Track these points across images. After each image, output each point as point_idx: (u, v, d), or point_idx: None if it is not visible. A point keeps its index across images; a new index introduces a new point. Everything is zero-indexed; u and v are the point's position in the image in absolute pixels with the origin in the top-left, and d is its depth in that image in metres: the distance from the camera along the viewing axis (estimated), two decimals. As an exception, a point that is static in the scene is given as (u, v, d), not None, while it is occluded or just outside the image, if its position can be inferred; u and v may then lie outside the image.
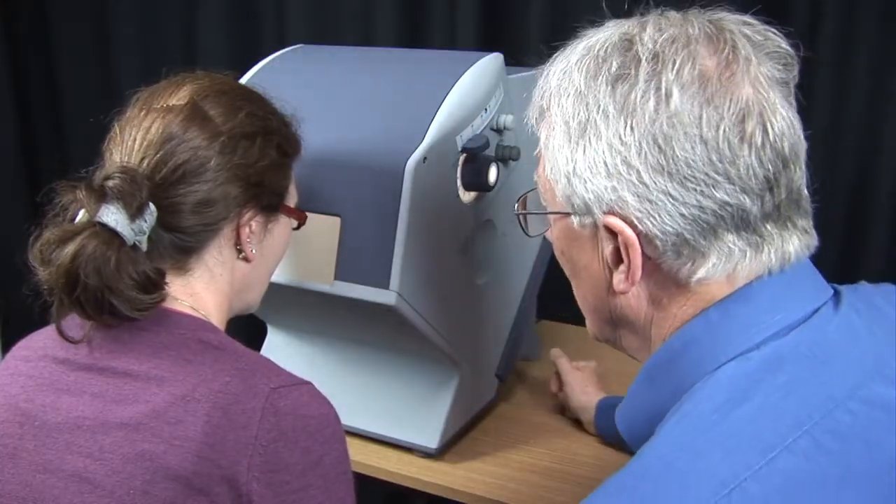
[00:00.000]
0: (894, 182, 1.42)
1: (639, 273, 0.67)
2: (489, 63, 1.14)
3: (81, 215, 0.79)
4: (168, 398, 0.78)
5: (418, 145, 1.03)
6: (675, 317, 0.69)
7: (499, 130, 1.17)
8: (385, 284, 1.04)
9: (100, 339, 0.82)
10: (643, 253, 0.67)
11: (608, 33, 0.69)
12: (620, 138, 0.65)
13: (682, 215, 0.64)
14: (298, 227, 1.01)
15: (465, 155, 1.10)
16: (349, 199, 1.06)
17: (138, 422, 0.77)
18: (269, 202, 0.91)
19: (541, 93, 0.73)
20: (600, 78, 0.66)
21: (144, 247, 0.80)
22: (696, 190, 0.64)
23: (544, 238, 1.41)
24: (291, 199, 0.96)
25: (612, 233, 0.67)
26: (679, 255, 0.66)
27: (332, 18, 1.75)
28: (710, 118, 0.63)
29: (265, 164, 0.88)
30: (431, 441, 1.19)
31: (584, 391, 1.28)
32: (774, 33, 0.68)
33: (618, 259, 0.68)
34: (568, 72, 0.69)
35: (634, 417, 0.73)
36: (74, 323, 0.82)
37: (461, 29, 1.62)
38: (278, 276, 1.10)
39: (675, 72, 0.64)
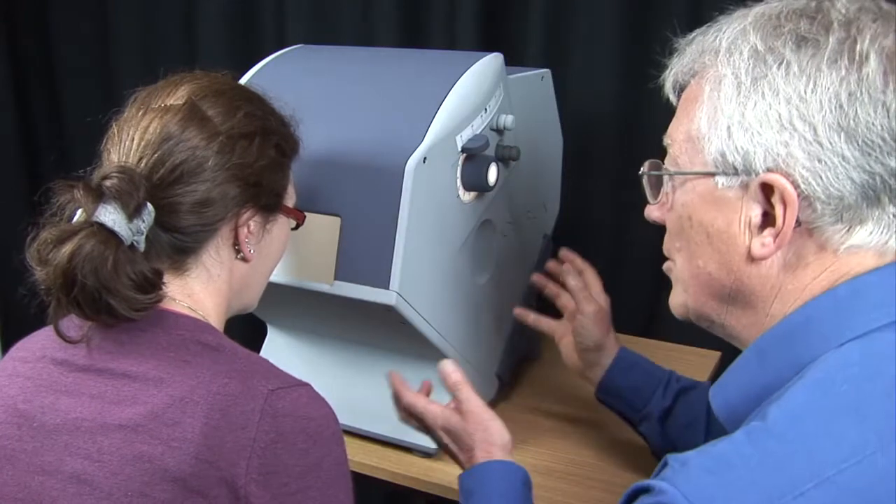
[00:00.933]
0: None
1: (789, 235, 0.67)
2: (489, 63, 1.14)
3: (79, 215, 0.78)
4: (166, 399, 0.77)
5: (418, 145, 1.03)
6: (804, 289, 0.69)
7: (499, 130, 1.17)
8: (385, 284, 1.04)
9: (98, 340, 0.82)
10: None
11: (783, 3, 0.71)
12: (800, 94, 0.66)
13: (852, 179, 0.65)
14: (297, 228, 1.01)
15: (465, 155, 1.10)
16: (349, 199, 1.06)
17: (137, 423, 0.77)
18: (267, 202, 0.90)
19: (699, 51, 0.74)
20: (783, 38, 0.67)
21: (142, 247, 0.80)
22: (870, 154, 0.64)
23: (544, 238, 1.42)
24: (290, 200, 0.96)
25: (765, 193, 0.68)
26: (839, 219, 0.66)
27: (332, 18, 1.75)
28: (894, 89, 0.65)
29: (263, 164, 0.88)
30: (431, 441, 1.19)
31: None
32: None
33: (764, 223, 0.69)
34: (743, 31, 0.70)
35: (736, 394, 0.71)
36: (72, 323, 0.82)
37: (461, 29, 1.62)
38: (278, 276, 1.10)
39: (870, 39, 0.65)
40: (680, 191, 0.75)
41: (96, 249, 0.76)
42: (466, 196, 1.14)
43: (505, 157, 1.17)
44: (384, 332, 1.15)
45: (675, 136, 0.75)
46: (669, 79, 0.78)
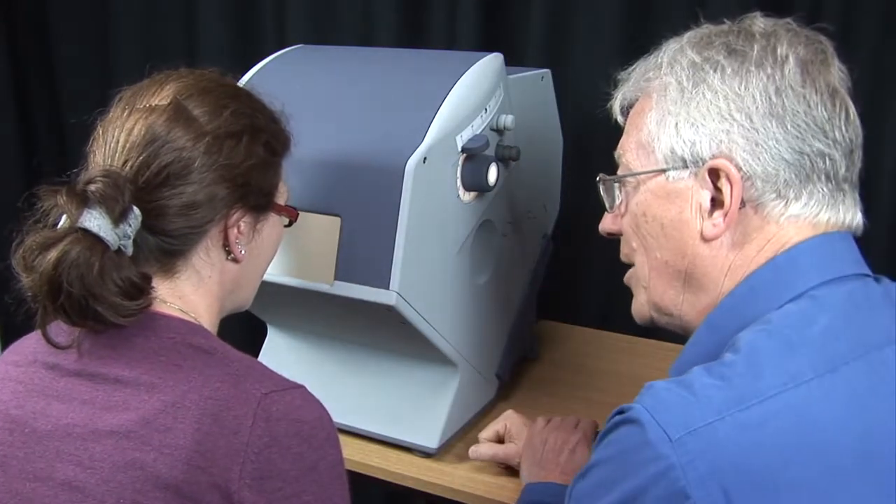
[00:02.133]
0: (894, 182, 1.42)
1: (736, 214, 0.77)
2: (489, 63, 1.14)
3: (64, 221, 0.77)
4: (158, 405, 0.77)
5: (418, 145, 1.03)
6: (751, 261, 0.78)
7: (499, 130, 1.17)
8: (385, 284, 1.04)
9: (89, 345, 0.81)
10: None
11: (709, 27, 0.83)
12: (736, 91, 0.77)
13: (785, 159, 0.76)
14: (290, 225, 1.00)
15: (465, 155, 1.10)
16: (349, 199, 1.06)
17: (128, 429, 0.76)
18: (257, 202, 0.89)
19: (643, 73, 0.85)
20: (715, 49, 0.79)
21: (129, 251, 0.78)
22: (798, 137, 0.76)
23: (544, 238, 1.42)
24: (281, 198, 0.94)
25: (712, 178, 0.78)
26: (778, 194, 0.76)
27: (332, 18, 1.75)
28: (811, 86, 0.77)
29: (252, 163, 0.86)
30: (431, 441, 1.19)
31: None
32: None
33: (713, 206, 0.79)
34: (680, 49, 0.82)
35: (690, 361, 0.77)
36: (62, 328, 0.81)
37: (461, 29, 1.62)
38: (278, 277, 1.10)
39: (787, 44, 0.78)
40: (633, 194, 0.85)
41: (82, 256, 0.75)
42: (466, 196, 1.13)
43: (505, 157, 1.17)
44: (384, 332, 1.15)
45: (626, 147, 0.86)
46: (617, 102, 0.89)
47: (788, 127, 0.76)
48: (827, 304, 0.74)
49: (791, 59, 0.77)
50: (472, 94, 1.11)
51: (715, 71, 0.78)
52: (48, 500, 0.78)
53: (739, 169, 0.76)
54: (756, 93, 0.76)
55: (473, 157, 1.11)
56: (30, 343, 0.86)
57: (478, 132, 1.12)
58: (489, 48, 1.25)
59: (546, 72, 1.38)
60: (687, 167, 0.79)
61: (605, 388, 1.38)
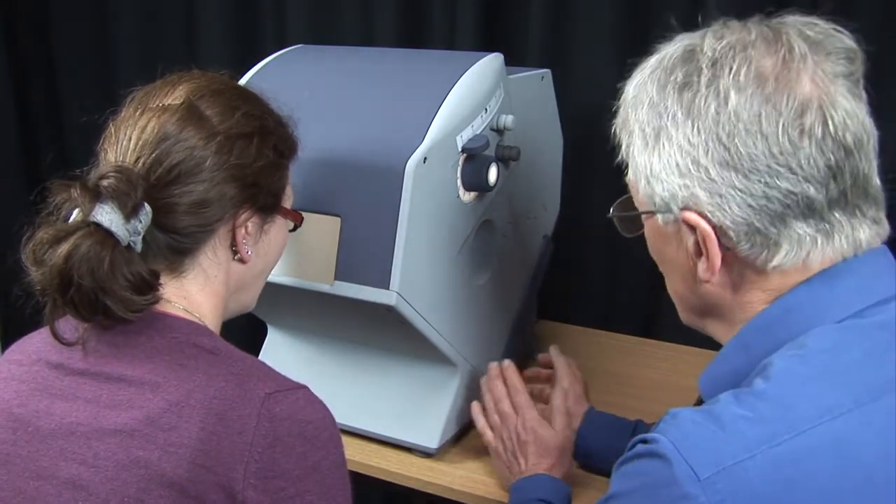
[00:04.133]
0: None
1: (718, 262, 0.74)
2: (489, 63, 1.15)
3: (75, 215, 0.78)
4: (162, 404, 0.77)
5: (418, 145, 1.04)
6: (758, 300, 0.75)
7: (499, 130, 1.17)
8: (385, 284, 1.04)
9: (94, 344, 0.81)
10: (720, 244, 0.73)
11: (675, 47, 0.76)
12: (689, 140, 0.72)
13: (750, 206, 0.70)
14: (295, 229, 1.01)
15: (465, 155, 1.10)
16: (349, 199, 1.06)
17: (133, 428, 0.77)
18: (265, 203, 0.90)
19: (623, 103, 0.80)
20: (668, 87, 0.74)
21: (139, 248, 0.79)
22: (760, 181, 0.70)
23: (544, 238, 1.42)
24: (287, 201, 0.95)
25: (691, 226, 0.74)
26: (753, 244, 0.72)
27: (332, 18, 1.75)
28: (769, 115, 0.69)
29: (261, 164, 0.87)
30: (431, 441, 1.19)
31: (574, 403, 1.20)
32: (838, 30, 0.74)
33: (698, 251, 0.75)
34: (642, 83, 0.77)
35: (720, 377, 0.76)
36: (68, 325, 0.82)
37: (461, 29, 1.62)
38: (278, 277, 1.10)
39: (731, 76, 0.70)
40: (644, 225, 0.82)
41: (93, 250, 0.75)
42: (466, 196, 1.14)
43: (505, 157, 1.17)
44: (384, 332, 1.15)
45: (628, 177, 0.82)
46: (618, 125, 0.83)
47: (748, 174, 0.70)
48: (869, 328, 0.70)
49: (732, 94, 0.70)
50: (472, 94, 1.11)
51: (668, 117, 0.73)
52: (52, 499, 0.78)
53: (709, 220, 0.72)
54: (708, 141, 0.71)
55: (473, 157, 1.11)
56: (33, 342, 0.86)
57: (478, 132, 1.12)
58: (489, 48, 1.25)
59: (546, 72, 1.38)
60: (671, 212, 0.75)
61: (605, 388, 1.38)
